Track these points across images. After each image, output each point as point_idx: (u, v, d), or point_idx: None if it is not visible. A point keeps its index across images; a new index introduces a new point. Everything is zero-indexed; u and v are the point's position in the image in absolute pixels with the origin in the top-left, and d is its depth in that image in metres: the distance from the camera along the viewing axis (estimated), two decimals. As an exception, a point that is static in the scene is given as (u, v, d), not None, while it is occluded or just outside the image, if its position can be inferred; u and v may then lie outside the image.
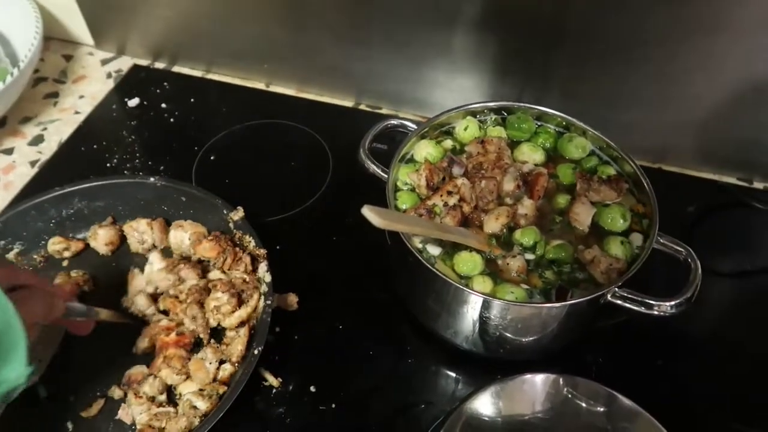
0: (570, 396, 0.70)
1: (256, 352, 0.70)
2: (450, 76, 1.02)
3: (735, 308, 0.86)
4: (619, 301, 0.67)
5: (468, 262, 0.68)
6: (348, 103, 1.12)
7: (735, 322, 0.84)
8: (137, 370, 0.73)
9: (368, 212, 0.54)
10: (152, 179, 0.86)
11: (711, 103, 0.93)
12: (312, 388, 0.75)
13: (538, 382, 0.70)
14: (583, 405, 0.70)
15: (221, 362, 0.73)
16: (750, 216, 0.94)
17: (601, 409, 0.69)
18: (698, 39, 0.86)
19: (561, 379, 0.70)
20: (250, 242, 0.80)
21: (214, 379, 0.72)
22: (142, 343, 0.75)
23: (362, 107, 1.12)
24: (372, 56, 1.05)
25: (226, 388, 0.71)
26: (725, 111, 0.93)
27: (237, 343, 0.73)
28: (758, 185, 1.00)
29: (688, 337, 0.81)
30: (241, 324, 0.74)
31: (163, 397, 0.72)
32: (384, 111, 1.11)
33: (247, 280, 0.76)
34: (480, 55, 0.99)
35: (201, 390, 0.70)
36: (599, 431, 0.69)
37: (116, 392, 0.72)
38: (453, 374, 0.78)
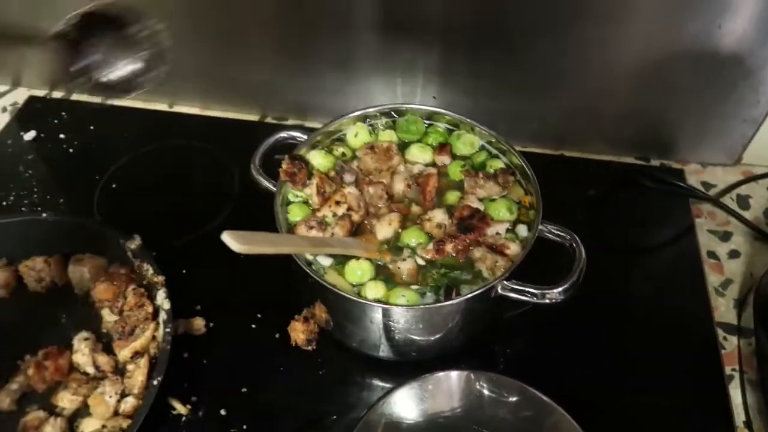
0: (483, 390, 0.72)
1: (155, 382, 0.68)
2: (350, 82, 1.03)
3: (637, 284, 0.89)
4: (510, 294, 0.68)
5: (357, 270, 0.69)
6: (254, 117, 1.11)
7: (637, 298, 0.87)
8: (33, 416, 0.71)
9: (227, 238, 0.53)
10: (44, 215, 0.84)
11: (605, 86, 0.96)
12: (222, 411, 0.75)
13: (450, 379, 0.71)
14: (496, 398, 0.71)
15: (123, 395, 0.72)
16: (646, 193, 0.96)
17: (513, 399, 0.71)
18: (588, 27, 0.88)
19: (472, 375, 0.71)
20: (148, 270, 0.79)
21: (117, 414, 0.70)
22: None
23: (268, 120, 1.11)
24: (274, 68, 1.04)
25: (129, 421, 0.69)
26: (619, 93, 0.97)
27: (137, 375, 0.71)
28: (655, 162, 1.04)
29: (593, 317, 0.83)
30: (138, 355, 0.73)
31: None
32: (290, 122, 1.11)
33: (139, 313, 0.75)
34: (379, 60, 1.00)
35: (103, 426, 0.69)
36: (511, 421, 0.70)
37: None
38: (366, 381, 0.79)
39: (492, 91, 0.99)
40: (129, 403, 0.71)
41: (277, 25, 0.98)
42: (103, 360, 0.75)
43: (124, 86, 0.70)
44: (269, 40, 1.01)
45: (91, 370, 0.75)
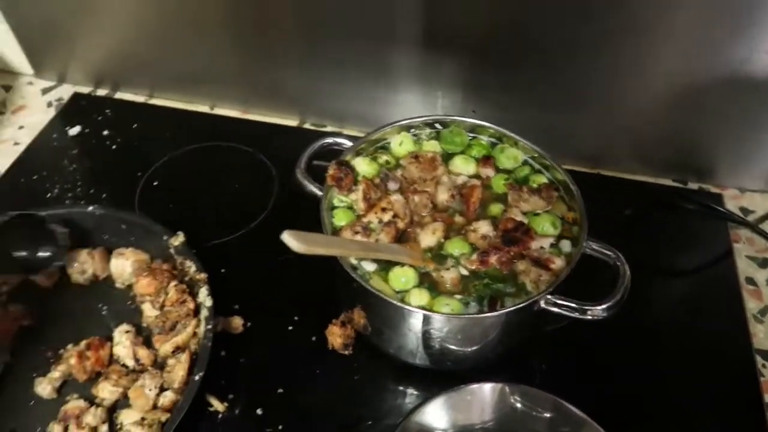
0: (517, 404, 0.72)
1: (197, 378, 0.69)
2: (390, 92, 1.04)
3: (674, 307, 0.88)
4: (553, 308, 0.68)
5: (401, 277, 0.69)
6: (293, 123, 1.13)
7: (674, 321, 0.86)
8: (73, 405, 0.72)
9: (288, 238, 0.54)
10: (90, 208, 0.86)
11: (644, 108, 0.96)
12: (259, 411, 0.75)
13: (484, 391, 0.72)
14: (530, 412, 0.71)
15: (162, 389, 0.72)
16: (684, 216, 0.96)
17: (547, 416, 0.70)
18: (628, 48, 0.89)
19: (507, 388, 0.71)
20: (191, 267, 0.80)
21: (155, 407, 0.71)
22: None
23: (307, 126, 1.13)
24: (314, 75, 1.06)
25: (168, 415, 0.70)
26: (658, 115, 0.97)
27: (178, 370, 0.72)
28: (693, 186, 1.04)
29: (630, 338, 0.82)
30: (179, 350, 0.74)
31: (105, 429, 0.71)
32: (329, 128, 1.12)
33: (181, 309, 0.76)
34: (419, 71, 1.01)
35: (142, 419, 0.70)
36: (546, 437, 0.70)
37: (55, 429, 0.71)
38: (401, 388, 0.79)
39: (529, 108, 0.99)
40: (168, 398, 0.71)
41: (318, 32, 0.99)
42: (143, 353, 0.76)
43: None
44: (310, 47, 1.02)
45: (131, 362, 0.76)
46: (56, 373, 0.75)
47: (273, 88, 1.10)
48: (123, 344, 0.77)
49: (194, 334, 0.75)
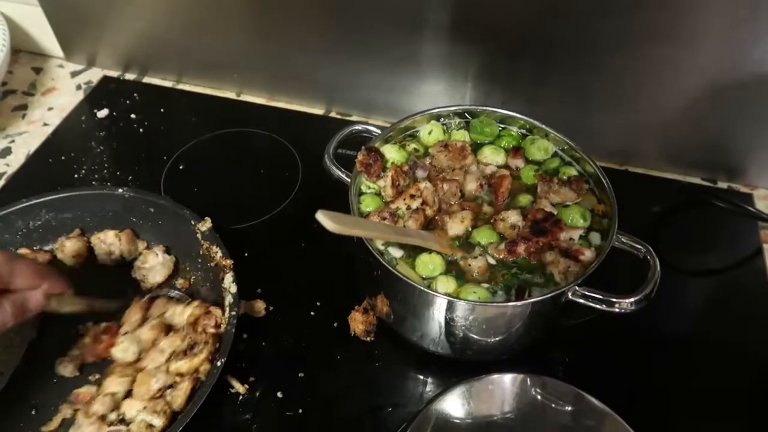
0: (537, 396, 0.71)
1: (219, 363, 0.69)
2: (418, 82, 1.03)
3: (699, 305, 0.87)
4: (580, 300, 0.67)
5: (428, 264, 0.69)
6: (319, 111, 1.13)
7: (699, 319, 0.85)
8: (85, 390, 0.72)
9: (322, 217, 0.54)
10: (120, 190, 0.86)
11: (674, 106, 0.95)
12: (279, 394, 0.75)
13: (505, 382, 0.71)
14: (551, 404, 0.70)
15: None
16: (713, 215, 0.95)
17: (569, 408, 0.70)
18: (661, 45, 0.87)
19: (528, 379, 0.71)
20: (217, 253, 0.80)
21: (159, 397, 0.70)
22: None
23: (333, 114, 1.12)
24: (341, 64, 1.05)
25: (166, 407, 0.69)
26: (687, 113, 0.95)
27: (179, 393, 0.70)
28: (722, 185, 1.02)
29: (654, 334, 0.82)
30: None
31: (114, 416, 0.70)
32: (354, 118, 1.12)
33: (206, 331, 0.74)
34: (447, 62, 1.00)
35: (144, 408, 0.69)
36: (567, 430, 0.69)
37: (67, 410, 0.71)
38: (421, 376, 0.78)
39: (559, 102, 0.98)
40: (181, 389, 0.71)
41: (345, 21, 0.99)
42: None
43: None
44: (338, 35, 1.02)
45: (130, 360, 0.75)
46: (76, 351, 0.76)
47: (299, 75, 1.10)
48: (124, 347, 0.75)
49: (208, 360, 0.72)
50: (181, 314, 0.75)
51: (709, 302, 0.88)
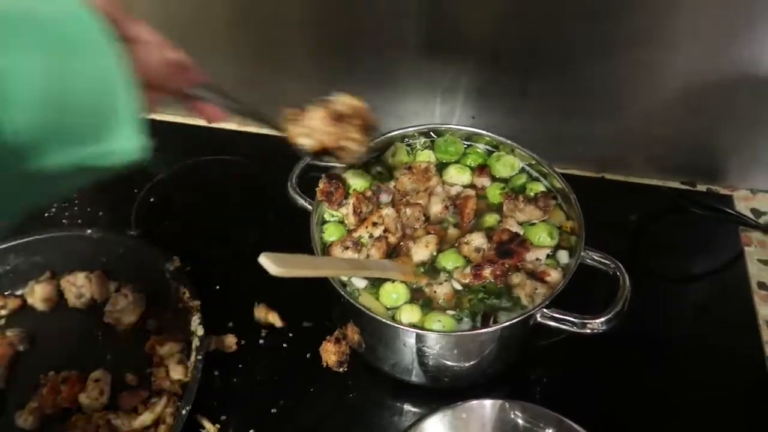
0: (517, 419, 0.69)
1: (184, 412, 0.67)
2: (389, 101, 1.02)
3: (683, 311, 0.85)
4: (550, 322, 0.66)
5: (392, 294, 0.67)
6: (290, 135, 1.11)
7: (683, 325, 0.84)
8: None
9: (265, 261, 0.53)
10: (89, 231, 0.85)
11: (652, 110, 0.93)
12: (252, 432, 0.74)
13: (484, 408, 0.69)
14: (531, 428, 0.69)
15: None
16: (693, 219, 0.93)
17: (549, 431, 0.68)
18: (638, 51, 0.86)
19: (507, 404, 0.69)
20: (185, 293, 0.78)
21: None
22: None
23: (305, 138, 1.11)
24: (311, 86, 1.04)
25: None
26: (666, 117, 0.94)
27: (158, 407, 0.70)
28: (702, 188, 1.00)
29: (637, 344, 0.79)
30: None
31: None
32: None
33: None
34: (417, 79, 0.99)
35: None
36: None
37: None
38: (397, 405, 0.77)
39: (534, 113, 0.97)
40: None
41: (313, 42, 0.98)
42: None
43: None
44: (306, 57, 1.01)
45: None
46: (34, 403, 0.74)
47: (269, 99, 1.08)
48: (89, 394, 0.74)
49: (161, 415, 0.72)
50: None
51: (692, 310, 0.86)
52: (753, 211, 0.96)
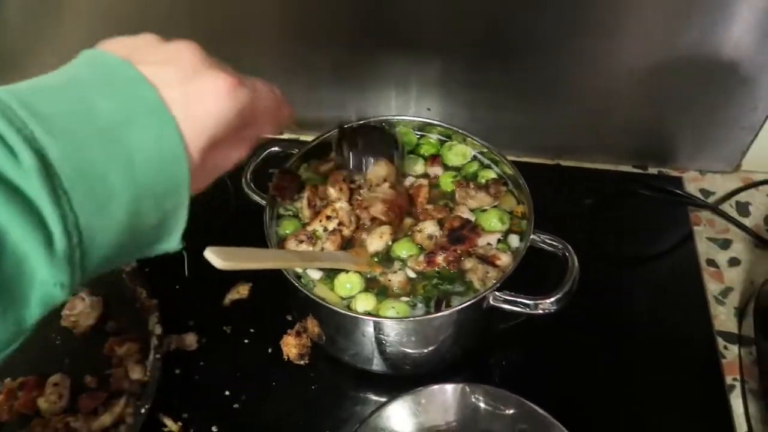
0: (479, 403, 0.70)
1: (143, 410, 0.67)
2: (345, 95, 1.02)
3: (634, 295, 0.87)
4: (503, 305, 0.67)
5: (346, 284, 0.68)
6: (249, 132, 1.11)
7: (635, 309, 0.85)
8: None
9: (210, 255, 0.53)
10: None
11: (603, 97, 0.95)
12: (214, 428, 0.74)
13: (445, 392, 0.70)
14: (493, 411, 0.70)
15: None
16: (645, 202, 0.95)
17: (510, 412, 0.69)
18: (586, 39, 0.88)
19: (467, 387, 0.70)
20: (142, 293, 0.78)
21: None
22: None
23: (264, 134, 1.11)
24: (271, 81, 1.04)
25: None
26: (617, 103, 0.96)
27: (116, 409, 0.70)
28: (653, 170, 1.03)
29: (590, 329, 0.82)
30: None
31: None
32: (285, 135, 1.10)
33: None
34: (372, 72, 0.99)
35: None
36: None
37: None
38: (360, 395, 0.78)
39: (489, 103, 0.98)
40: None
41: (270, 38, 0.98)
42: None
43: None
44: (263, 52, 1.01)
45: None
46: None
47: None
48: (48, 398, 0.73)
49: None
50: None
51: (645, 290, 0.87)
52: (702, 191, 0.99)
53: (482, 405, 0.71)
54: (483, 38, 0.91)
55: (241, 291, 0.85)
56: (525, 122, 0.99)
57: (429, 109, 1.01)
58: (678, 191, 0.96)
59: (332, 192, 0.74)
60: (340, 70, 1.00)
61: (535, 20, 0.87)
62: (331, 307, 0.65)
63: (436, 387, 0.70)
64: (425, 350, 0.73)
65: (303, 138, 1.08)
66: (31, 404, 0.73)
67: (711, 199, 0.97)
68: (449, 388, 0.70)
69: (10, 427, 0.73)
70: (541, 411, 0.67)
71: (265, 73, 0.99)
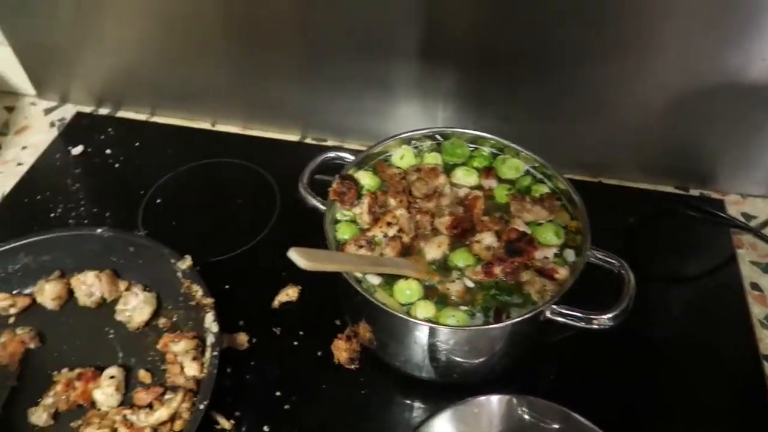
0: (524, 415, 0.71)
1: (201, 407, 0.68)
2: (390, 105, 1.04)
3: (679, 313, 0.88)
4: (558, 318, 0.68)
5: (406, 290, 0.69)
6: (294, 138, 1.13)
7: (680, 326, 0.86)
8: None
9: (294, 255, 0.54)
10: (98, 230, 0.85)
11: (645, 117, 0.97)
12: (266, 428, 0.75)
13: (492, 403, 0.71)
14: (539, 423, 0.71)
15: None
16: (687, 222, 0.96)
17: (556, 427, 0.70)
18: (630, 57, 0.89)
19: (514, 400, 0.71)
20: (198, 291, 0.79)
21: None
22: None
23: (308, 140, 1.13)
24: (314, 90, 1.06)
25: None
26: (658, 122, 0.97)
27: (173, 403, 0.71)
28: (694, 192, 1.04)
29: (636, 344, 0.82)
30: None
31: None
32: (329, 143, 1.12)
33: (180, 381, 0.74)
34: (417, 84, 1.01)
35: None
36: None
37: None
38: (408, 402, 0.78)
39: (529, 119, 1.00)
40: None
41: (317, 48, 1.00)
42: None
43: None
44: (310, 62, 1.03)
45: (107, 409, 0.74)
46: (49, 400, 0.74)
47: (273, 103, 1.11)
48: (104, 390, 0.74)
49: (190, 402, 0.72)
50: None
51: (687, 311, 0.88)
52: (744, 215, 1.00)
53: (527, 417, 0.71)
54: (523, 54, 0.92)
55: (290, 293, 0.86)
56: (566, 138, 1.00)
57: (475, 123, 1.03)
58: (720, 213, 0.97)
59: (392, 201, 0.75)
60: (386, 82, 1.01)
61: (576, 37, 0.88)
62: (392, 312, 0.66)
63: (483, 398, 0.71)
64: (476, 360, 0.74)
65: (348, 146, 1.10)
66: (87, 395, 0.74)
67: (753, 223, 0.98)
68: (496, 399, 0.71)
69: (66, 418, 0.74)
70: (588, 423, 0.67)
71: (311, 81, 1.03)
